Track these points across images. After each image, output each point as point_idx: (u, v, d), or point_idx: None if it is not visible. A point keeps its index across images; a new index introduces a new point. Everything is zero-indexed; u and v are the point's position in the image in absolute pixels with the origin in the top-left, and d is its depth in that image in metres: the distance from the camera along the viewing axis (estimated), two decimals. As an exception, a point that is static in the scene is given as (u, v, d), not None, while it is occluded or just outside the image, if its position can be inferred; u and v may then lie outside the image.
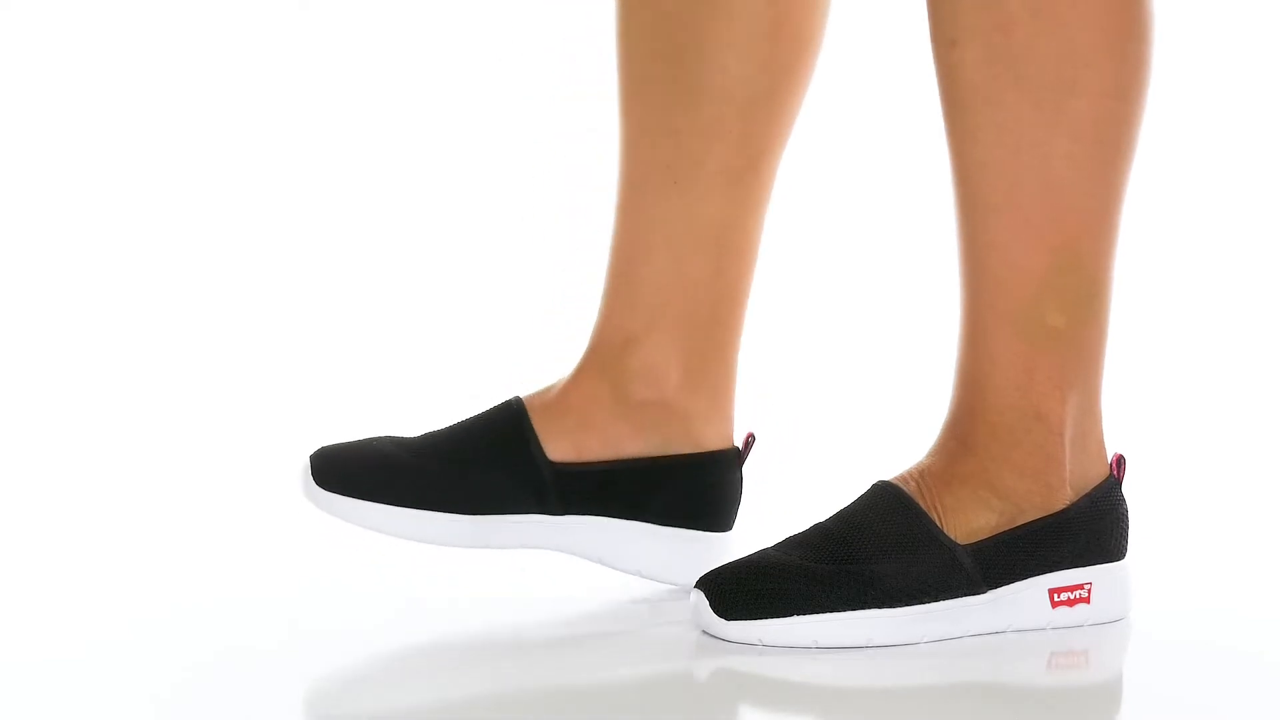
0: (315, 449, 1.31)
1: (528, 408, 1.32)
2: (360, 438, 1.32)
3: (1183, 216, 2.34)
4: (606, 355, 1.33)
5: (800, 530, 1.24)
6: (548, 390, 1.33)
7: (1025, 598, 1.23)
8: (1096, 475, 1.26)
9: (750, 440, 1.34)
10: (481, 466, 1.30)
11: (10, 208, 2.36)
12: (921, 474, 1.25)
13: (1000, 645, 1.22)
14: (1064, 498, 1.24)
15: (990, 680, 1.17)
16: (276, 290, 2.35)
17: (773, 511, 1.41)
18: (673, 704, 1.12)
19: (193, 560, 1.48)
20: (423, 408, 2.16)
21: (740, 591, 1.20)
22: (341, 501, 1.28)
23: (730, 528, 1.33)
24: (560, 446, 1.30)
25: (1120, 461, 1.27)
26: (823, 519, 1.25)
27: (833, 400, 2.19)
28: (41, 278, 2.33)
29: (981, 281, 1.22)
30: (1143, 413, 1.99)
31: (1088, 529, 1.25)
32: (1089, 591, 1.25)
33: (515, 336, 2.22)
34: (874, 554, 1.21)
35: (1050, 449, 1.23)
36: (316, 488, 1.29)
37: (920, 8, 1.22)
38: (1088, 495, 1.25)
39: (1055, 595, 1.24)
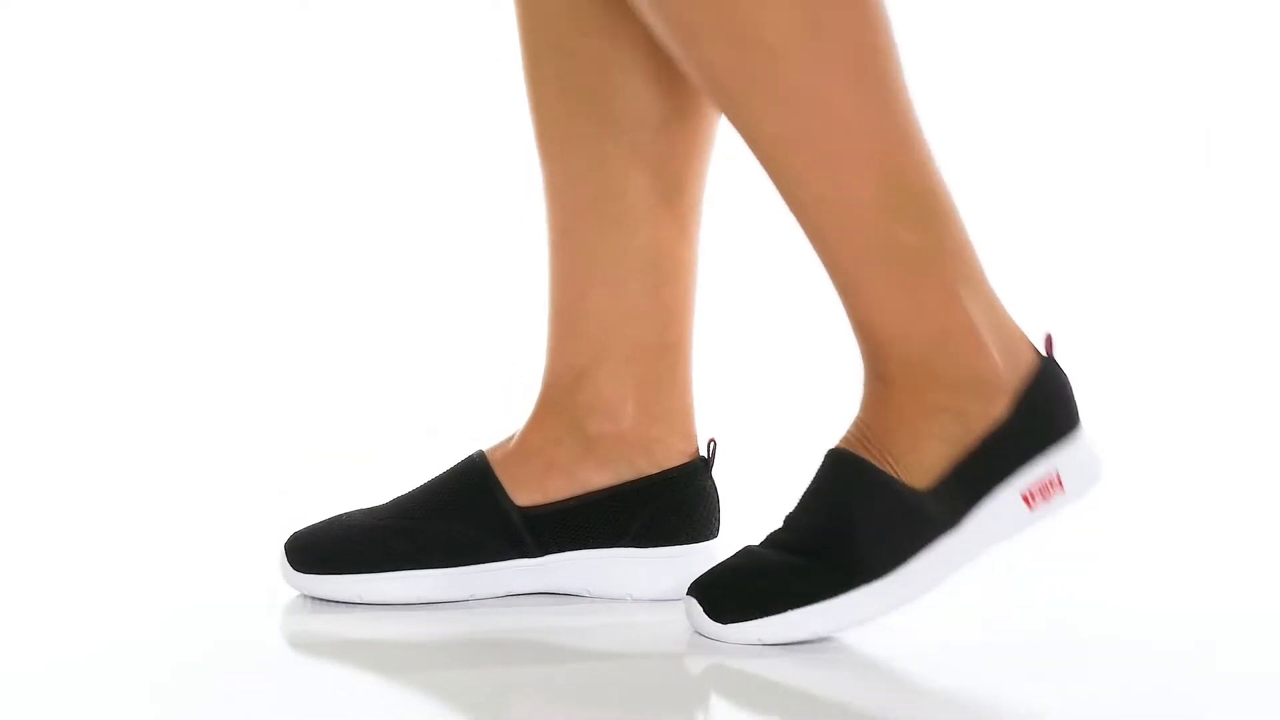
0: (289, 536, 1.33)
1: (490, 460, 1.32)
2: (328, 516, 1.34)
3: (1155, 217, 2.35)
4: (559, 394, 1.33)
5: (780, 522, 1.25)
6: (508, 440, 1.34)
7: (1001, 512, 1.22)
8: (1029, 361, 1.24)
9: (713, 445, 1.35)
10: (450, 520, 1.31)
11: (8, 208, 2.36)
12: (862, 429, 1.23)
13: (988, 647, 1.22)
14: (1005, 397, 1.22)
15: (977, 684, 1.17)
16: (276, 290, 2.35)
17: (758, 509, 1.41)
18: (668, 701, 1.12)
19: (192, 561, 1.48)
20: (423, 406, 2.16)
21: (731, 594, 1.21)
22: (320, 581, 1.30)
23: (715, 535, 1.33)
24: (526, 491, 1.31)
25: (1049, 340, 1.25)
26: (796, 504, 1.25)
27: (797, 395, 2.19)
28: (38, 278, 2.33)
29: (827, 235, 1.21)
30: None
31: (1038, 417, 1.23)
32: (1058, 477, 1.23)
33: (514, 341, 2.23)
34: (850, 530, 1.20)
35: (972, 356, 1.22)
36: (294, 572, 1.31)
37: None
38: (1031, 382, 1.23)
39: (1029, 497, 1.22)
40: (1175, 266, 2.33)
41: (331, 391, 2.21)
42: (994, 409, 1.22)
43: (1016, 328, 1.25)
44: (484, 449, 1.33)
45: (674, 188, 1.32)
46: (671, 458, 1.33)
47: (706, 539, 1.32)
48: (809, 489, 1.24)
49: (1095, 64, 2.40)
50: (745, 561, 1.23)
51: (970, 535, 1.22)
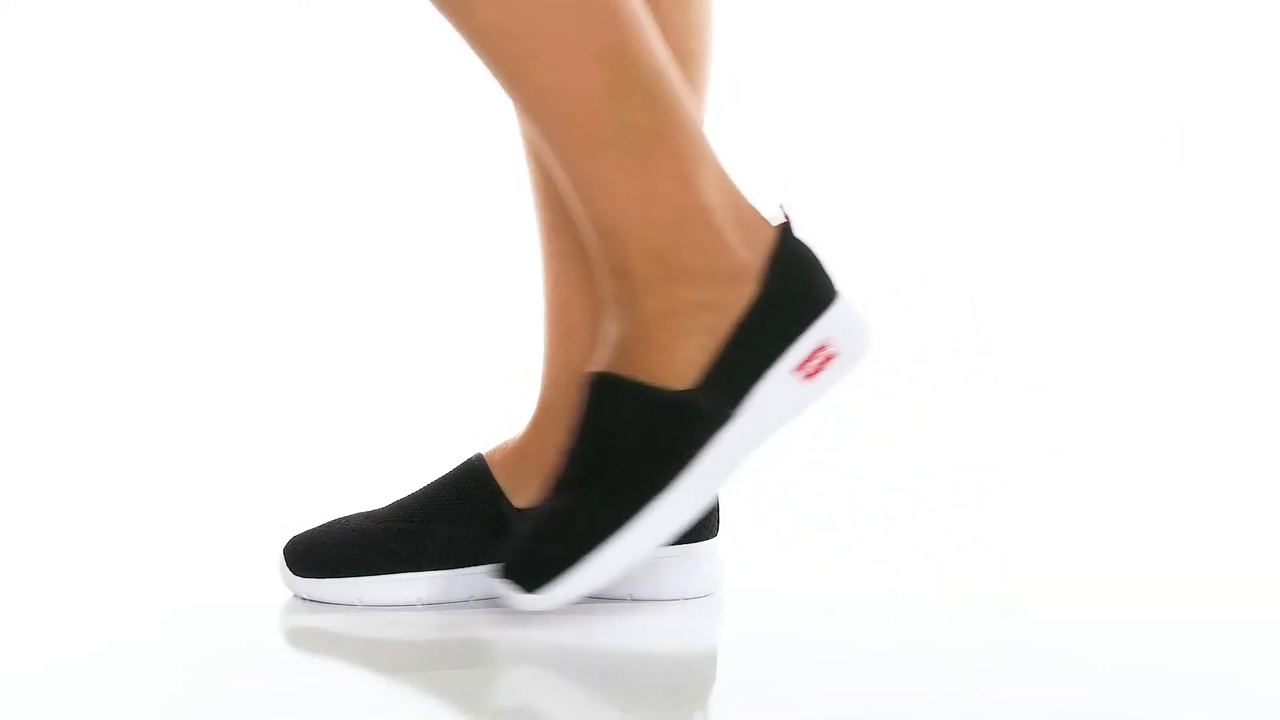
0: (287, 540, 1.32)
1: (488, 462, 1.31)
2: (327, 520, 1.34)
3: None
4: (557, 397, 1.32)
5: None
6: (507, 443, 1.33)
7: (779, 390, 1.21)
8: (768, 239, 1.22)
9: None
10: (448, 522, 1.30)
11: (7, 209, 2.36)
12: (616, 345, 1.22)
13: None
14: (751, 279, 1.21)
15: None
16: (276, 290, 2.35)
17: (758, 507, 1.41)
18: (669, 702, 1.12)
19: (191, 562, 1.48)
20: (423, 407, 2.16)
21: (533, 561, 1.19)
22: (318, 584, 1.30)
23: (715, 533, 1.33)
24: (525, 494, 1.30)
25: (785, 216, 1.23)
26: (572, 435, 1.22)
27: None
28: (38, 280, 2.33)
29: (557, 128, 1.18)
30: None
31: (791, 291, 1.22)
32: (830, 344, 1.22)
33: (514, 341, 2.22)
34: (625, 454, 1.19)
35: (710, 241, 1.20)
36: (293, 576, 1.31)
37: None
38: (773, 260, 1.22)
39: (803, 371, 1.22)
40: (1154, 266, 2.33)
41: (331, 393, 2.20)
42: (742, 292, 1.21)
43: (751, 207, 1.23)
44: (482, 452, 1.33)
45: None
46: None
47: (707, 538, 1.32)
48: (579, 419, 1.22)
49: (1074, 65, 2.40)
50: (537, 522, 1.20)
51: (750, 422, 1.20)
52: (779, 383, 1.21)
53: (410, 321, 2.35)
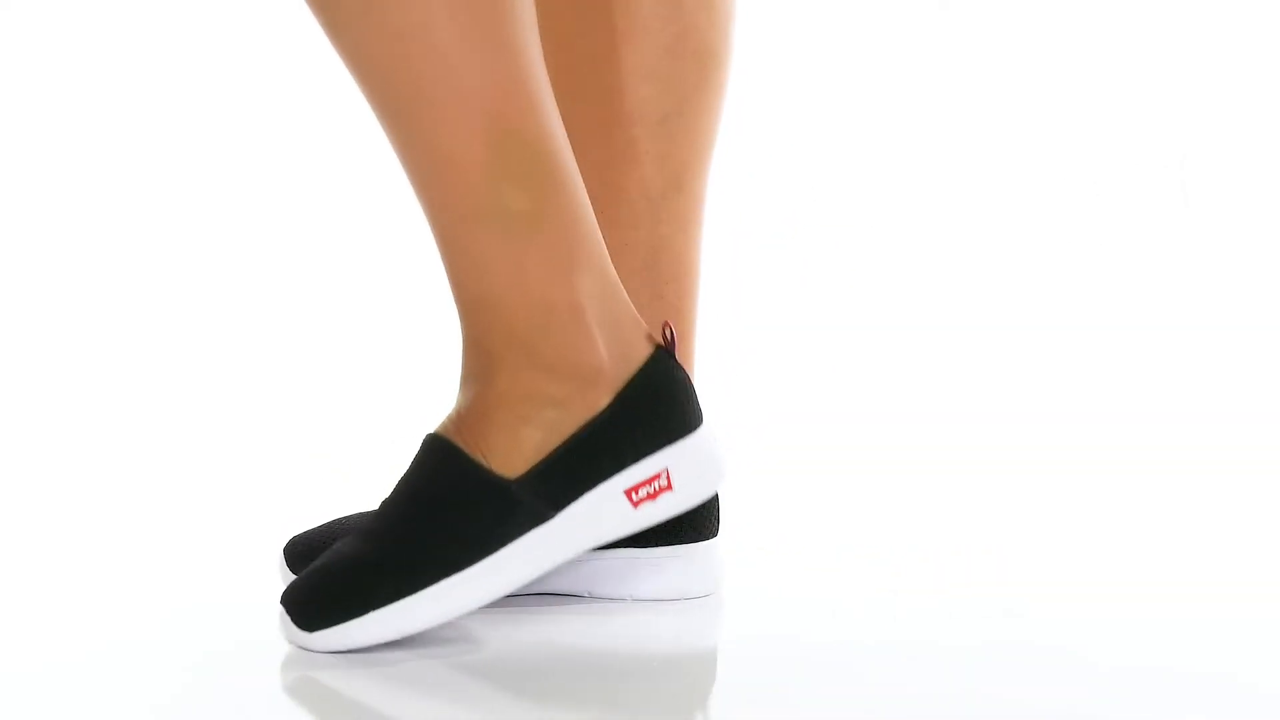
0: (287, 541, 1.28)
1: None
2: (328, 520, 1.30)
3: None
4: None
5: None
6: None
7: (602, 509, 1.18)
8: (641, 355, 1.19)
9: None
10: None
11: (7, 209, 2.36)
12: (460, 414, 1.18)
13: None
14: (608, 388, 1.17)
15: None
16: (276, 291, 2.35)
17: (757, 507, 1.41)
18: (670, 705, 1.12)
19: (192, 562, 1.48)
20: (424, 404, 2.16)
21: (316, 599, 1.15)
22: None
23: (715, 533, 1.32)
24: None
25: (667, 330, 1.19)
26: (392, 489, 1.19)
27: (797, 395, 2.19)
28: (38, 281, 2.33)
29: (431, 191, 1.15)
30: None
31: (646, 412, 1.18)
32: (668, 477, 1.18)
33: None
34: (434, 519, 1.16)
35: (575, 339, 1.17)
36: (294, 576, 1.24)
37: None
38: (637, 375, 1.18)
39: (633, 495, 1.18)
40: (1154, 266, 2.33)
41: (332, 392, 2.20)
42: (595, 398, 1.18)
43: (634, 317, 1.20)
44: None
45: (672, 186, 1.30)
46: None
47: (707, 537, 1.32)
48: (404, 474, 1.19)
49: (1070, 73, 2.40)
50: (330, 561, 1.17)
51: (564, 528, 1.16)
52: (607, 499, 1.18)
53: (411, 321, 2.34)
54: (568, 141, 1.17)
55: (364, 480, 1.68)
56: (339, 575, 1.16)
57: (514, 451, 1.17)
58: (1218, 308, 2.30)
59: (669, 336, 1.21)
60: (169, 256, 2.37)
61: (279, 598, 1.18)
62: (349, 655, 1.19)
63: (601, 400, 1.18)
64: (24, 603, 1.35)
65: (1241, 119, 2.34)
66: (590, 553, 1.29)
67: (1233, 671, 1.17)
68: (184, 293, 2.34)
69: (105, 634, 1.26)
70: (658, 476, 1.19)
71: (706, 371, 1.36)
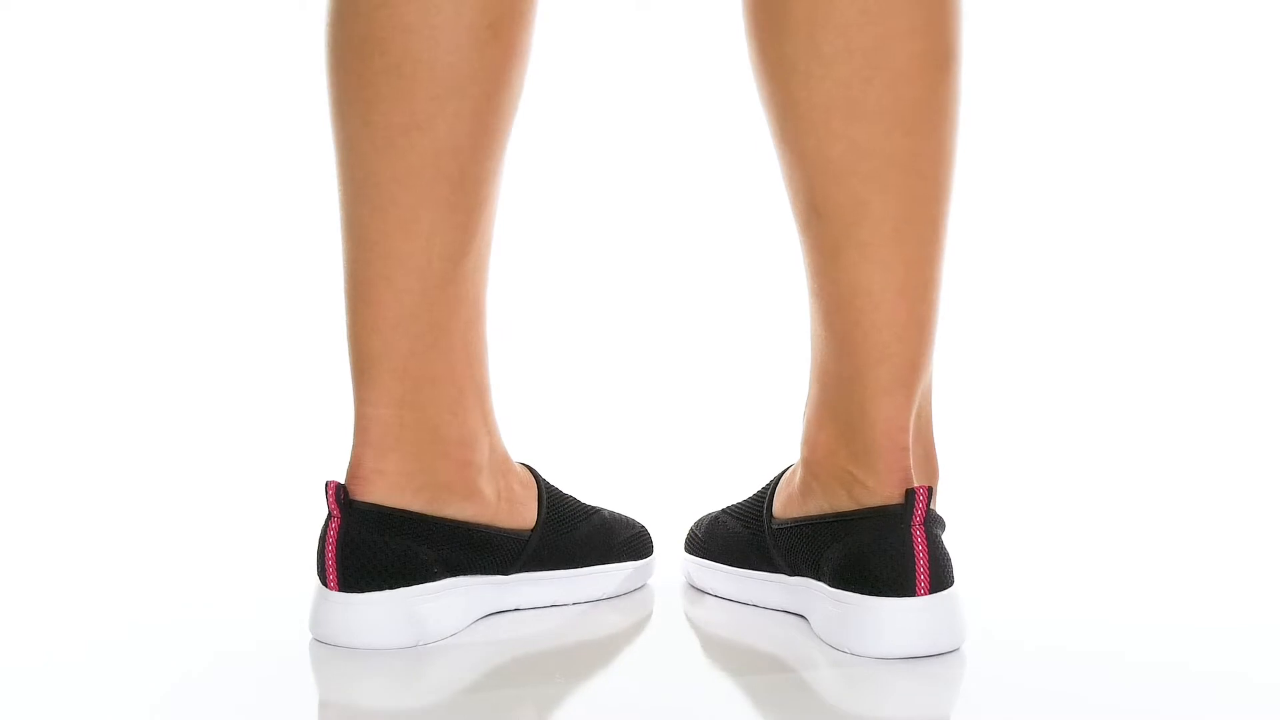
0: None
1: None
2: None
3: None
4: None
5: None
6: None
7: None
8: (891, 495, 1.19)
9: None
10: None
11: (7, 209, 2.36)
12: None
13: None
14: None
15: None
16: (278, 291, 2.35)
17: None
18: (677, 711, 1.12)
19: (193, 562, 1.48)
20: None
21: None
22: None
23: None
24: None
25: (915, 493, 1.16)
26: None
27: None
28: (40, 282, 2.33)
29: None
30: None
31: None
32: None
33: (515, 342, 2.23)
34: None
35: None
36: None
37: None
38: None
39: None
40: (1154, 268, 2.33)
41: (335, 392, 2.21)
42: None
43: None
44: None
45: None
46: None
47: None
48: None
49: (1085, 70, 2.41)
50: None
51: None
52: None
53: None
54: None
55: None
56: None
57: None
58: (1218, 307, 2.30)
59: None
60: (176, 256, 2.37)
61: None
62: (352, 655, 1.19)
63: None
64: (24, 603, 1.36)
65: (1242, 119, 2.35)
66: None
67: (1244, 671, 1.17)
68: (188, 292, 2.34)
69: (106, 634, 1.26)
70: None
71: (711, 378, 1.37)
